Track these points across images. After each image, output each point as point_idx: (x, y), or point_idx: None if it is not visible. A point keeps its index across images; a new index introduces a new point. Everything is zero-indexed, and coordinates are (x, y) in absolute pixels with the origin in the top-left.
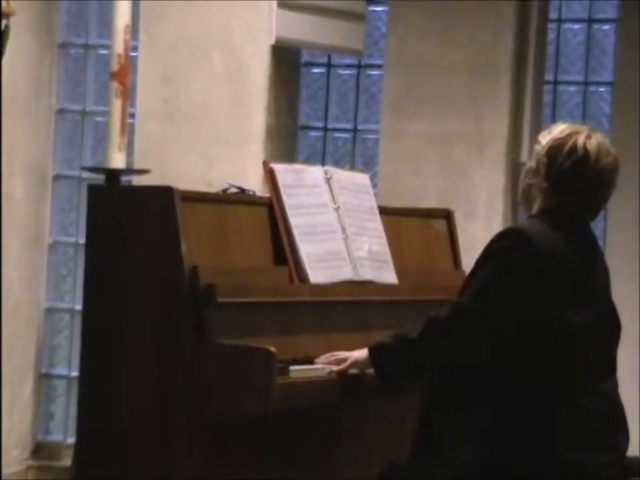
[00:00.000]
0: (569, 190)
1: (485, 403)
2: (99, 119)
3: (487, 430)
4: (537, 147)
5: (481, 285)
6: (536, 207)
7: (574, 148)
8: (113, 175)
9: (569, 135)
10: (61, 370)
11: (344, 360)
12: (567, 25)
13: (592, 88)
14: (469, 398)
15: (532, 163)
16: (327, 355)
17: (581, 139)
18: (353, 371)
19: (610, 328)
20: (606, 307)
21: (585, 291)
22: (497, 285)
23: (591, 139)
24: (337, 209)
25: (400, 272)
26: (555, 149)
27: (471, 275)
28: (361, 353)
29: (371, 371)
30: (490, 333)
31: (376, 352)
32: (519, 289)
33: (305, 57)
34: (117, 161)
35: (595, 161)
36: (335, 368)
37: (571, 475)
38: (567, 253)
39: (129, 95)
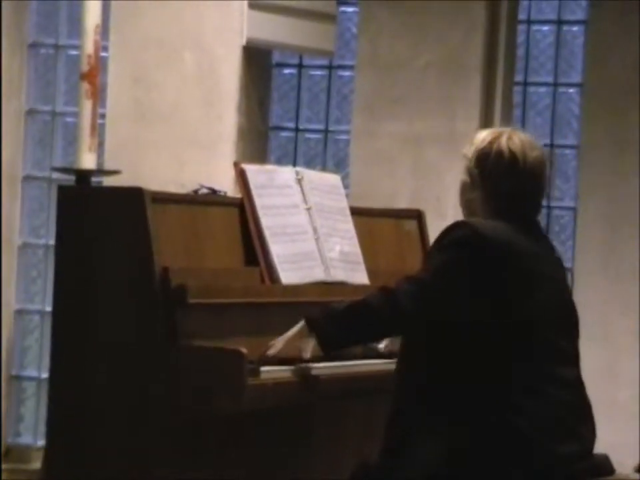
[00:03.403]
0: (506, 194)
1: (449, 398)
2: (69, 119)
3: (453, 425)
4: (465, 161)
5: (434, 270)
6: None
7: (500, 152)
8: (83, 175)
9: (491, 142)
10: (30, 372)
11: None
12: (536, 27)
13: (561, 89)
14: (434, 395)
15: (465, 178)
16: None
17: (503, 142)
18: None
19: (567, 318)
20: (561, 297)
21: (538, 280)
22: (450, 273)
23: (512, 139)
24: (308, 210)
25: (371, 273)
26: (482, 158)
27: (423, 264)
28: (293, 329)
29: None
30: (439, 313)
31: (317, 319)
32: (471, 278)
33: (276, 57)
34: (88, 161)
35: (523, 159)
36: (270, 352)
37: (541, 463)
38: (517, 243)
39: (99, 95)
